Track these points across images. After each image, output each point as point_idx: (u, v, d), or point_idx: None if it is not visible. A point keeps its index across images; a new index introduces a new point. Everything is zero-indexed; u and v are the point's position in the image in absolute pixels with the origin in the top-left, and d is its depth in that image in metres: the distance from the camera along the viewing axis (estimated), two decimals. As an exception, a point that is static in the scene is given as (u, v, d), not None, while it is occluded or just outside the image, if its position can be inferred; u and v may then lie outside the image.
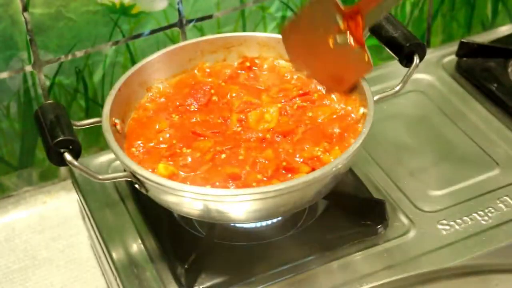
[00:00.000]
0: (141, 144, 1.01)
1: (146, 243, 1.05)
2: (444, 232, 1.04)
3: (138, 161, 0.97)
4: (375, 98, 1.01)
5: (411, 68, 1.02)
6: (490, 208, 1.07)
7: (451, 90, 1.28)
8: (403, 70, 1.03)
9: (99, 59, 1.19)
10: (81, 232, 1.21)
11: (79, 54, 1.18)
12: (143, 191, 0.96)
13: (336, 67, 1.03)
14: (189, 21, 1.22)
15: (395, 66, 1.13)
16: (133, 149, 1.00)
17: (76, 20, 1.15)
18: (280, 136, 1.00)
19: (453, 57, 1.33)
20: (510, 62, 1.30)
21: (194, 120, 1.04)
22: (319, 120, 1.02)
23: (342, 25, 0.99)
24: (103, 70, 1.20)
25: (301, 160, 0.96)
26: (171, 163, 0.97)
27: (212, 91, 1.07)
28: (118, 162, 1.15)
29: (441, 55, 1.35)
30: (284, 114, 1.03)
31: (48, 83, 1.18)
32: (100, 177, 0.93)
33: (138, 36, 1.20)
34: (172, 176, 0.95)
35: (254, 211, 0.93)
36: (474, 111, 1.24)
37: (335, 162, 0.93)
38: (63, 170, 1.27)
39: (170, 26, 1.21)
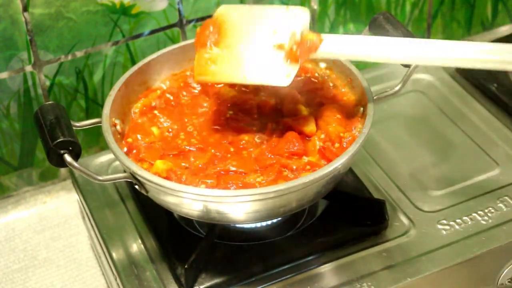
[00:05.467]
0: (139, 138, 1.01)
1: (146, 243, 1.05)
2: (444, 232, 1.04)
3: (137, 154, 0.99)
4: (375, 98, 1.01)
5: (411, 68, 1.02)
6: (490, 208, 1.07)
7: (451, 90, 1.28)
8: (403, 70, 1.03)
9: (99, 59, 1.19)
10: (81, 232, 1.21)
11: (79, 54, 1.18)
12: (143, 192, 0.96)
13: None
14: (189, 21, 1.22)
15: (395, 66, 1.12)
16: (129, 139, 1.01)
17: (76, 20, 1.15)
18: None
19: (453, 57, 1.33)
20: (510, 62, 1.29)
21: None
22: None
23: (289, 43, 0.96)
24: (103, 70, 1.21)
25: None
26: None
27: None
28: (118, 162, 1.15)
29: (441, 55, 1.35)
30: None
31: (48, 83, 1.18)
32: (100, 178, 0.93)
33: (138, 36, 1.20)
34: (169, 172, 0.95)
35: (254, 211, 0.93)
36: (474, 111, 1.24)
37: (335, 162, 0.93)
38: (63, 170, 1.27)
39: (170, 26, 1.21)
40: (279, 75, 0.96)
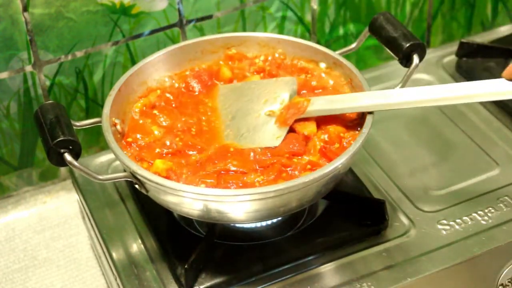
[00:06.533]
0: (139, 137, 1.01)
1: (146, 243, 1.05)
2: (444, 232, 1.04)
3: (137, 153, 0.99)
4: (375, 98, 1.01)
5: (411, 68, 1.02)
6: (490, 208, 1.07)
7: (451, 90, 1.28)
8: (403, 70, 1.03)
9: (99, 59, 1.19)
10: (81, 232, 1.21)
11: (79, 54, 1.18)
12: (143, 191, 0.96)
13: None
14: (189, 21, 1.22)
15: (395, 66, 1.13)
16: (129, 139, 1.01)
17: (76, 20, 1.15)
18: None
19: (453, 57, 1.33)
20: (510, 62, 1.29)
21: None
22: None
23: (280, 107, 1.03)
24: (103, 70, 1.21)
25: None
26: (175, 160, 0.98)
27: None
28: (118, 162, 1.15)
29: (441, 55, 1.35)
30: None
31: (48, 83, 1.18)
32: (100, 177, 0.93)
33: (138, 36, 1.20)
34: (169, 171, 0.95)
35: (254, 211, 0.93)
36: (474, 111, 1.24)
37: (335, 162, 0.93)
38: (63, 170, 1.27)
39: (170, 26, 1.21)
40: (269, 138, 1.00)
